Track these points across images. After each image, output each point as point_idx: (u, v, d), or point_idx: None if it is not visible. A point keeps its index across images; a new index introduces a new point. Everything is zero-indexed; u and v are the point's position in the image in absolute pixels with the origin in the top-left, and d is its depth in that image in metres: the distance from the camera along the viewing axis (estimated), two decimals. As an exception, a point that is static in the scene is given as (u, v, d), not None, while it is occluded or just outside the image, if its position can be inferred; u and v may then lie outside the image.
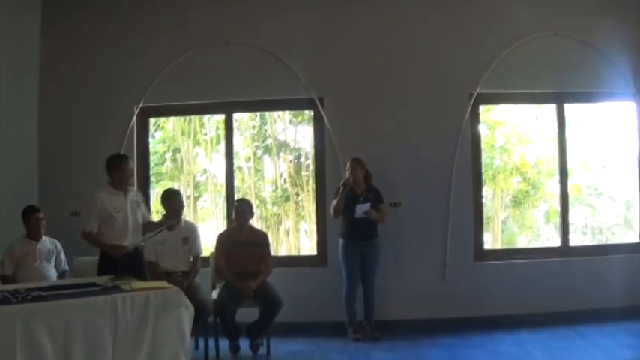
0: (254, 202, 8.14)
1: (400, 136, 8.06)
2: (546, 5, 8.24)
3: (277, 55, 8.09)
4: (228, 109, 8.38)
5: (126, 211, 6.36)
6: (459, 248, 8.03)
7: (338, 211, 7.58)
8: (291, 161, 8.74)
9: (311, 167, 8.43)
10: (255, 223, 7.89)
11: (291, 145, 8.77)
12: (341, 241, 7.64)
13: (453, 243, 8.01)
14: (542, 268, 8.09)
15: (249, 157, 8.80)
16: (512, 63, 8.08)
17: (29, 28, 8.18)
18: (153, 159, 8.63)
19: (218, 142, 8.53)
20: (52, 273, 6.91)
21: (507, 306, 7.91)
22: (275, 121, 8.77)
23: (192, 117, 8.75)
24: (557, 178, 8.44)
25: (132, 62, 8.21)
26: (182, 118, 8.78)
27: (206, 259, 7.39)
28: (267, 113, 8.72)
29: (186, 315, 5.49)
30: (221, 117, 8.44)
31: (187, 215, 8.04)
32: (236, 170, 8.52)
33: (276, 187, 8.80)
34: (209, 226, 8.67)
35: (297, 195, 8.72)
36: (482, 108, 8.45)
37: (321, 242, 8.24)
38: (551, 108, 8.48)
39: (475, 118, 8.29)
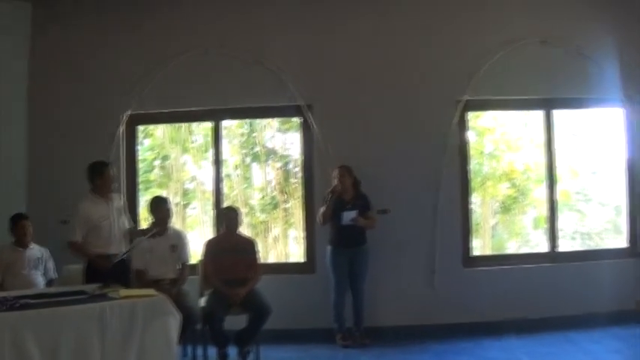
0: (243, 210, 8.12)
1: (388, 143, 8.09)
2: (534, 12, 8.28)
3: (265, 62, 8.11)
4: (216, 116, 8.39)
5: (110, 220, 6.39)
6: (447, 255, 8.06)
7: (326, 218, 7.59)
8: (279, 168, 8.73)
9: (299, 174, 8.42)
10: (244, 230, 7.87)
11: (280, 152, 8.75)
12: (329, 247, 7.66)
13: (441, 249, 8.04)
14: (530, 273, 8.13)
15: (238, 165, 8.79)
16: (501, 70, 8.11)
17: (18, 36, 8.17)
18: (142, 166, 8.61)
19: (207, 150, 8.51)
20: (40, 281, 6.88)
21: (496, 312, 7.92)
22: (264, 128, 8.75)
23: (182, 124, 8.74)
24: (545, 184, 8.47)
25: (120, 70, 8.20)
26: (171, 125, 8.76)
27: (194, 266, 7.38)
28: (255, 120, 8.70)
29: (174, 323, 5.50)
30: (209, 124, 8.43)
31: (176, 223, 8.02)
32: (225, 178, 8.51)
33: (265, 195, 8.79)
34: (198, 234, 8.65)
35: (286, 202, 8.70)
36: (471, 115, 8.45)
37: (310, 249, 8.26)
38: (539, 114, 8.51)
39: (463, 124, 8.32)
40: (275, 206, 8.74)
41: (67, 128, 8.16)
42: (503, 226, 8.98)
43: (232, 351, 6.95)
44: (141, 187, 8.50)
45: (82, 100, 8.19)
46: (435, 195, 8.05)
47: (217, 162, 8.37)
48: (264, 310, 6.82)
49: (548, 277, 8.15)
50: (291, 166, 8.63)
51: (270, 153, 8.76)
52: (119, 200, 6.86)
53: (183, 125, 8.77)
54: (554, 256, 8.39)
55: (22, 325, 4.73)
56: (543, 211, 8.50)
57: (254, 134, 8.79)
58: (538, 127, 8.55)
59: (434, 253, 8.03)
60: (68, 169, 7.84)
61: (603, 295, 8.00)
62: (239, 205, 8.27)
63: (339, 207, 7.55)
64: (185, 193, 8.91)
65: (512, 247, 8.93)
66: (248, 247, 7.30)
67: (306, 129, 8.26)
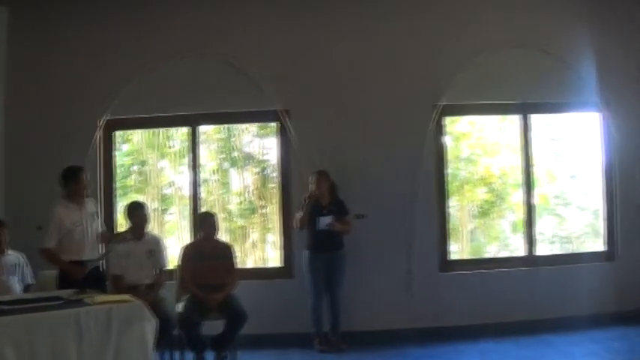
0: (221, 215, 8.11)
1: (365, 147, 8.11)
2: (511, 17, 8.35)
3: (242, 67, 8.10)
4: (193, 121, 8.38)
5: (84, 225, 6.37)
6: (424, 259, 8.09)
7: (302, 224, 7.60)
8: (257, 173, 8.71)
9: (277, 179, 8.42)
10: (222, 235, 7.86)
11: (258, 157, 8.74)
12: (306, 252, 7.66)
13: (418, 254, 8.07)
14: (507, 277, 8.18)
15: (216, 170, 8.77)
16: (478, 75, 8.17)
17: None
18: (120, 172, 8.57)
19: (184, 155, 8.49)
20: (17, 287, 6.81)
21: (473, 316, 7.97)
22: (241, 133, 8.74)
23: (159, 130, 8.71)
24: (523, 188, 8.51)
25: (96, 75, 8.15)
26: (149, 130, 8.73)
27: (171, 272, 7.35)
28: (233, 125, 8.69)
29: (150, 328, 5.49)
30: (187, 130, 8.42)
31: (155, 228, 7.99)
32: (202, 183, 8.50)
33: (243, 200, 8.77)
34: (177, 239, 8.62)
35: (264, 207, 8.69)
36: (448, 120, 8.48)
37: (287, 254, 8.26)
38: (516, 119, 8.56)
39: (440, 129, 8.36)
40: (253, 211, 8.72)
41: (43, 134, 8.10)
42: (482, 230, 8.99)
43: (210, 356, 6.94)
44: (119, 192, 8.46)
45: (58, 106, 8.14)
46: (412, 200, 8.07)
47: (195, 167, 8.37)
48: (240, 315, 6.81)
49: (526, 281, 8.19)
50: (268, 171, 8.62)
51: (248, 158, 8.74)
52: (93, 205, 6.83)
53: (161, 130, 8.73)
54: (531, 259, 8.43)
55: (-2, 331, 4.72)
56: (521, 215, 8.53)
57: (232, 139, 8.77)
58: (515, 131, 8.60)
59: (411, 258, 8.05)
60: (45, 175, 7.76)
61: (581, 298, 8.08)
62: (217, 210, 8.24)
63: (315, 212, 7.56)
64: (163, 198, 8.87)
65: (491, 252, 8.93)
66: (225, 252, 7.28)
67: (283, 134, 8.27)
